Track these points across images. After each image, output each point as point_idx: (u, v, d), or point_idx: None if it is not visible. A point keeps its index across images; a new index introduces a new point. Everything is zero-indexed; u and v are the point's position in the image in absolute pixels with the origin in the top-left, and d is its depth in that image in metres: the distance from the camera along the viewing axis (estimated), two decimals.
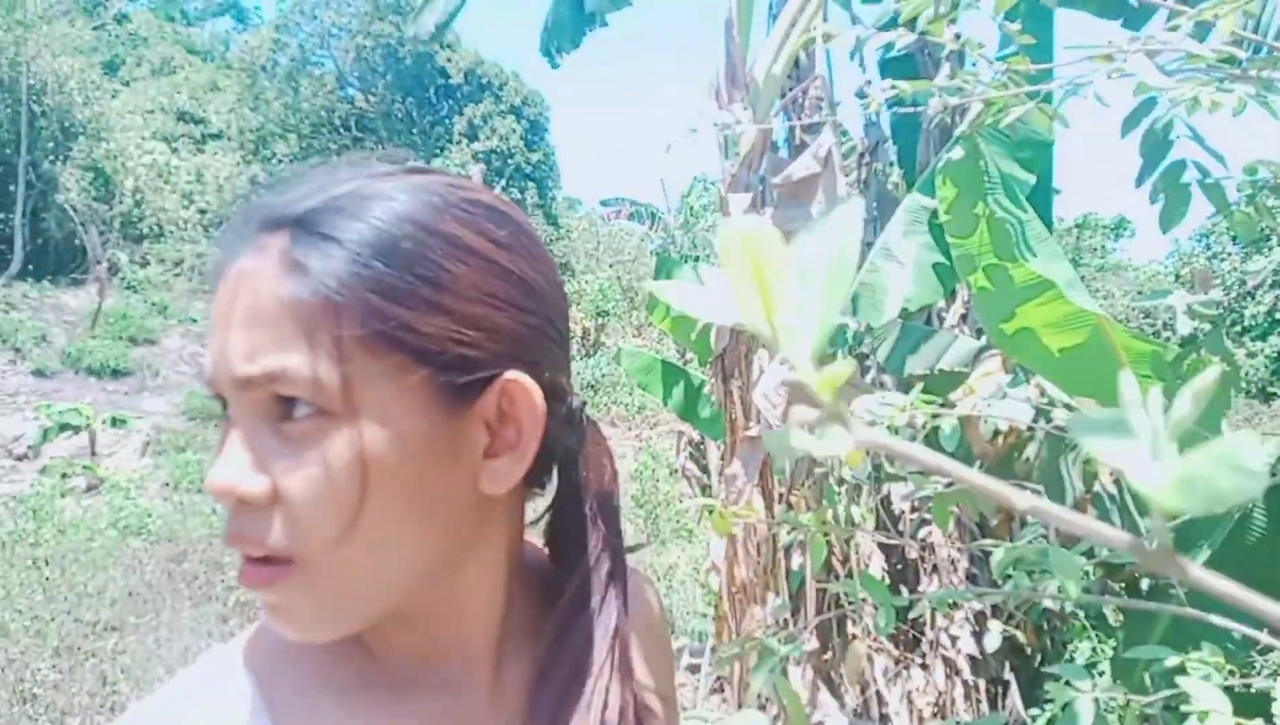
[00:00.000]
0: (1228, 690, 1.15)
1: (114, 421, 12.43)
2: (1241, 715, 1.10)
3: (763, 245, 0.26)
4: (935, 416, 1.90)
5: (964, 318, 3.49)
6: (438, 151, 25.48)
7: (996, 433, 2.30)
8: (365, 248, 0.52)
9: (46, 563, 7.11)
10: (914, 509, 2.81)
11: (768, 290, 0.26)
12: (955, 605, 2.36)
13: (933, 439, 1.89)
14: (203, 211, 23.76)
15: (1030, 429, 2.38)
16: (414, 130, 27.26)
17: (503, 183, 21.85)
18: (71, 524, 8.51)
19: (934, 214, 2.82)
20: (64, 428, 11.89)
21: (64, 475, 10.70)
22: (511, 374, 0.55)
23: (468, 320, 0.53)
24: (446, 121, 27.78)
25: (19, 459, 11.74)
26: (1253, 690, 1.34)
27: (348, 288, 0.51)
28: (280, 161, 25.10)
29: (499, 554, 0.61)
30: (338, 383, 0.50)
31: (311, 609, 0.52)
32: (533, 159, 28.59)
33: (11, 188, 21.24)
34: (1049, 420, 2.34)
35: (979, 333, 3.31)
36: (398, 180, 0.57)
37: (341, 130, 26.94)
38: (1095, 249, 24.62)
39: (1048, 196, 3.16)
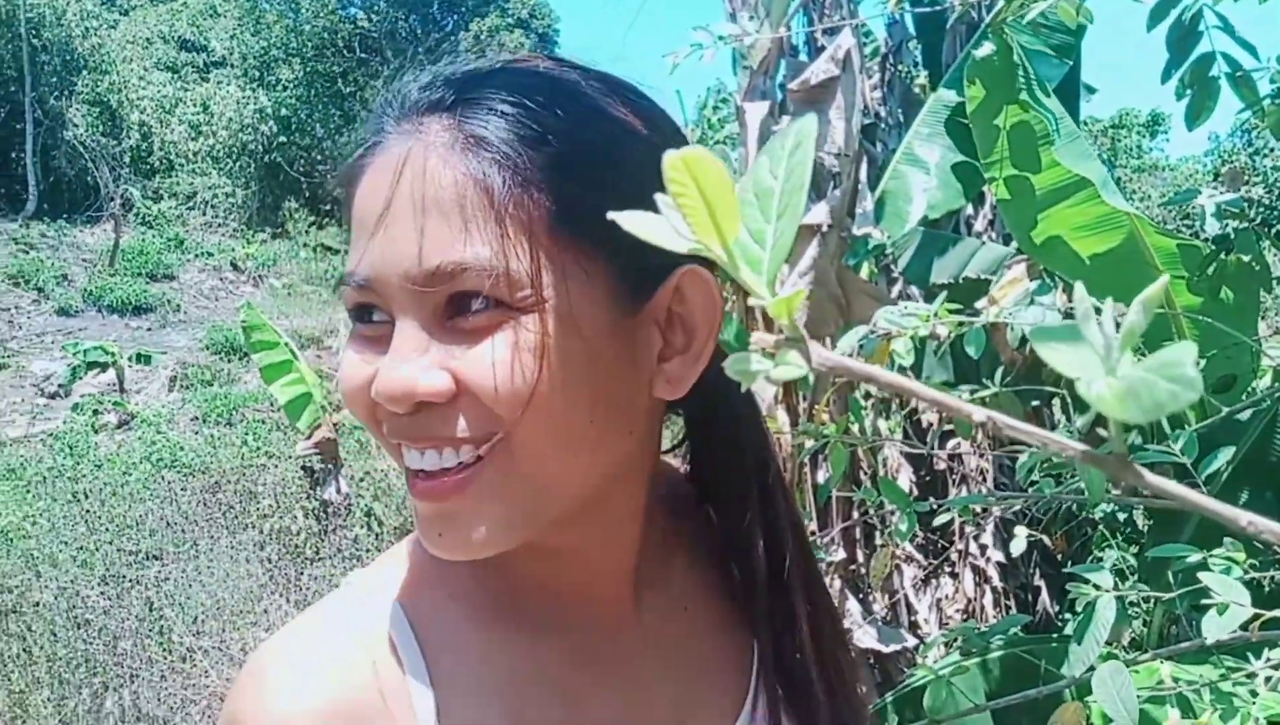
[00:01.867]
0: (1249, 585, 1.14)
1: (139, 357, 12.59)
2: (1261, 608, 1.09)
3: (706, 172, 0.26)
4: (960, 325, 1.86)
5: (991, 223, 3.41)
6: None
7: (1024, 341, 2.26)
8: (542, 122, 0.49)
9: (86, 496, 7.30)
10: (942, 420, 2.79)
11: (716, 216, 0.26)
12: (983, 512, 2.36)
13: (958, 348, 1.86)
14: (211, 145, 23.56)
15: None
16: (419, 48, 26.67)
17: None
18: (107, 459, 8.71)
19: (959, 114, 2.72)
20: (92, 365, 12.07)
21: (95, 412, 10.91)
22: (689, 265, 0.51)
23: (645, 204, 0.52)
24: (452, 38, 27.14)
25: (51, 397, 11.96)
26: (1270, 583, 1.33)
27: (533, 163, 0.48)
28: (285, 88, 24.70)
29: (644, 477, 0.60)
30: (527, 274, 0.47)
31: (494, 511, 0.50)
32: None
33: (19, 126, 21.10)
34: None
35: (1007, 239, 3.23)
36: (548, 62, 0.55)
37: (345, 52, 26.40)
38: (1131, 149, 23.87)
39: (1075, 93, 3.04)
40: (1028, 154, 2.19)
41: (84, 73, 21.94)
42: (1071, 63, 2.75)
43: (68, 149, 21.47)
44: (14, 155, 22.01)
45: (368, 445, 9.05)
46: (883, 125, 3.26)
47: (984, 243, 2.91)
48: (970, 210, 3.40)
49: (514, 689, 0.57)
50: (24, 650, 4.87)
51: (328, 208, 25.47)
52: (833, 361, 0.26)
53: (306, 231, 22.82)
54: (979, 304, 2.42)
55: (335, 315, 15.91)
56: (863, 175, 2.81)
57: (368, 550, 6.04)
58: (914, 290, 3.08)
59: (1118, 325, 0.23)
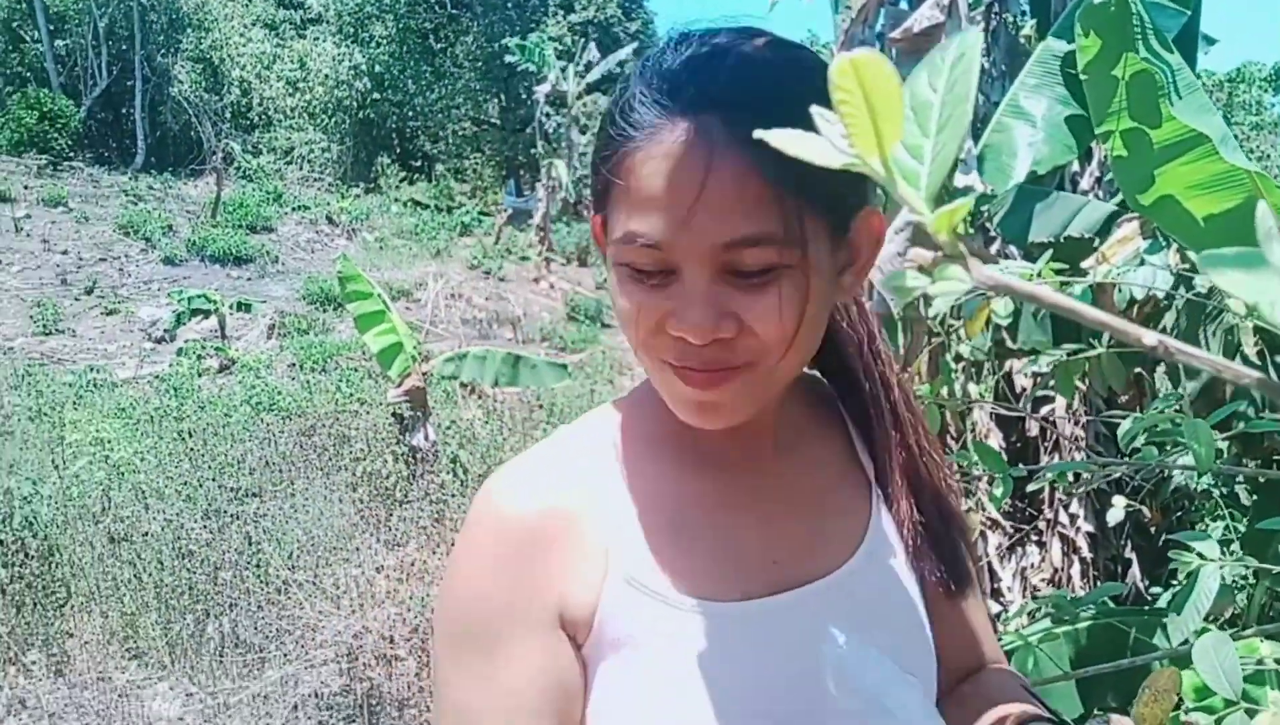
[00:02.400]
0: None
1: (240, 306, 13.11)
2: None
3: (876, 78, 0.25)
4: (1064, 285, 1.79)
5: (1099, 181, 3.25)
6: (534, 25, 24.97)
7: (1132, 302, 2.16)
8: (798, 113, 0.58)
9: (191, 435, 7.69)
10: (1035, 383, 2.70)
11: (879, 124, 0.26)
12: (1076, 478, 2.29)
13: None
14: (308, 101, 24.13)
15: (1169, 297, 2.22)
16: (509, 4, 26.71)
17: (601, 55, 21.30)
18: (209, 401, 9.14)
19: (1069, 64, 2.59)
20: (195, 312, 12.63)
21: (198, 356, 11.44)
22: (870, 207, 0.69)
23: (856, 176, 0.62)
24: None
25: (157, 342, 12.59)
26: None
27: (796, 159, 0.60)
28: (379, 45, 25.08)
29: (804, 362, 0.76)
30: (797, 242, 0.62)
31: (743, 402, 0.68)
32: (631, 28, 27.73)
33: (129, 83, 21.98)
34: (1190, 288, 2.18)
35: (1113, 196, 3.08)
36: (794, 52, 0.67)
37: (437, 8, 26.62)
38: (1249, 104, 22.36)
39: (1193, 43, 2.86)
40: (1148, 107, 2.07)
41: (188, 30, 22.66)
42: (1190, 12, 2.58)
43: (173, 105, 22.31)
44: (124, 110, 22.95)
45: (454, 395, 9.27)
46: (986, 76, 3.13)
47: (1090, 200, 2.78)
48: (1076, 166, 3.25)
49: (677, 509, 0.74)
50: (135, 576, 5.20)
51: (418, 164, 25.92)
52: (996, 279, 0.26)
53: (397, 187, 23.29)
54: (1086, 263, 2.32)
55: (425, 269, 16.26)
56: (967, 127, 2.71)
57: (453, 495, 6.20)
58: (1012, 249, 2.97)
59: None
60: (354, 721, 4.19)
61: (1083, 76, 2.23)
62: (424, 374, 6.50)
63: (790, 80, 0.63)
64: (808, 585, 0.74)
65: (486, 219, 21.49)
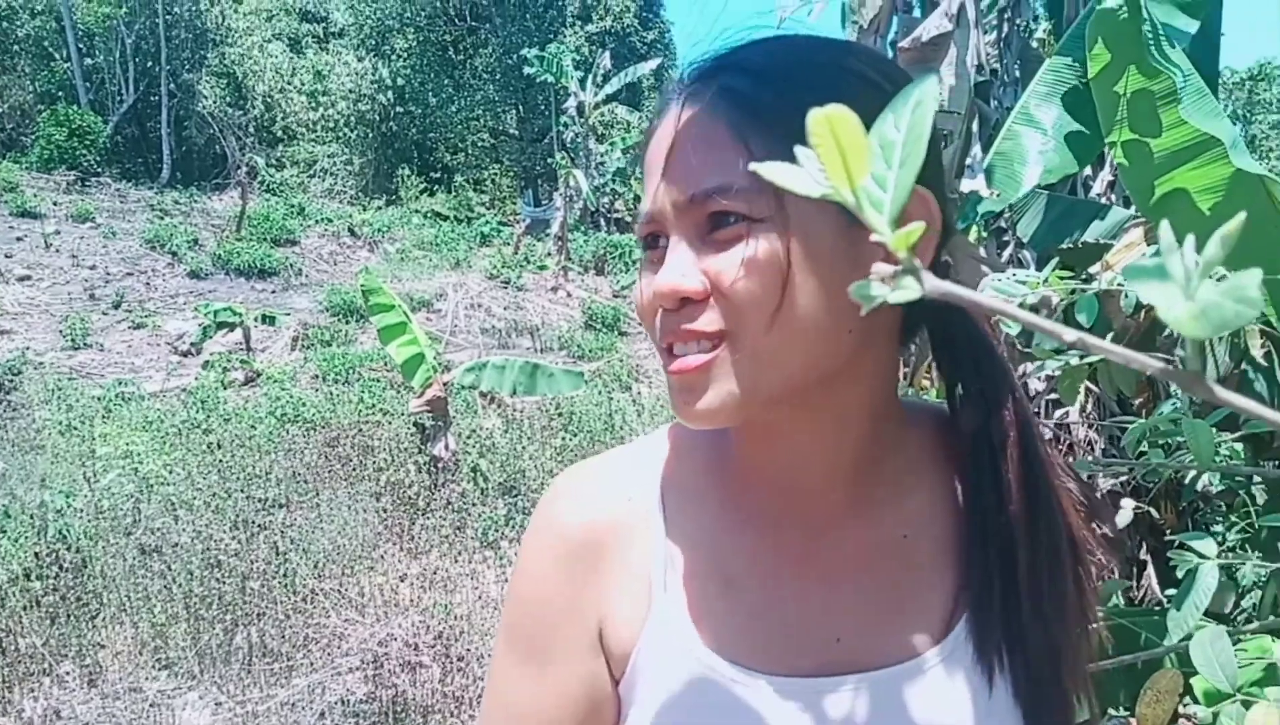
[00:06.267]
0: None
1: (265, 318, 13.27)
2: None
3: (843, 127, 0.30)
4: (1071, 292, 1.82)
5: (1111, 186, 3.25)
6: (552, 36, 25.12)
7: (1139, 307, 2.18)
8: (785, 75, 0.61)
9: (219, 447, 7.80)
10: (1050, 389, 2.72)
11: (849, 165, 0.31)
12: (1088, 480, 2.29)
13: (1070, 316, 1.81)
14: (330, 115, 24.37)
15: None
16: (527, 16, 26.89)
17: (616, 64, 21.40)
18: (235, 413, 9.26)
19: (1079, 73, 2.61)
20: (221, 325, 12.80)
21: (224, 369, 11.59)
22: (921, 188, 0.60)
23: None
24: (559, 4, 27.25)
25: (184, 355, 12.77)
26: None
27: (773, 106, 0.60)
28: (400, 58, 25.34)
29: (867, 388, 0.67)
30: (771, 190, 0.56)
31: (730, 384, 0.61)
32: (648, 37, 27.84)
33: (154, 99, 22.32)
34: None
35: (1127, 201, 3.09)
36: (794, 35, 0.66)
37: (457, 20, 26.86)
38: (1270, 103, 22.07)
39: (1214, 45, 2.85)
40: (1149, 119, 2.10)
41: (212, 47, 22.98)
42: (1201, 20, 2.58)
43: (198, 120, 22.64)
44: (150, 126, 23.29)
45: (474, 404, 9.35)
46: (999, 82, 3.15)
47: (1109, 206, 2.79)
48: (1089, 171, 3.25)
49: (725, 554, 0.69)
50: (165, 587, 5.28)
51: (438, 176, 26.13)
52: (944, 288, 0.29)
53: (418, 198, 23.50)
54: (1093, 269, 2.33)
55: (445, 279, 16.39)
56: (976, 134, 2.73)
57: (474, 503, 6.27)
58: (1025, 255, 2.98)
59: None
60: None
61: (1093, 84, 2.25)
62: (445, 384, 6.57)
63: (789, 50, 0.64)
64: (871, 672, 0.65)
65: (505, 229, 21.63)
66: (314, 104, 24.45)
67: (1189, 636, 1.15)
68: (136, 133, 23.62)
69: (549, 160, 23.45)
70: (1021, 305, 1.73)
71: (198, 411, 9.35)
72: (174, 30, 22.00)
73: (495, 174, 27.28)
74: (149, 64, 22.23)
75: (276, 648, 4.74)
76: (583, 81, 20.89)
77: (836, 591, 0.67)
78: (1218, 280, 0.26)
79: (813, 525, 0.68)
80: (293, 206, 20.04)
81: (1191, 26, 2.60)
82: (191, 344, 12.91)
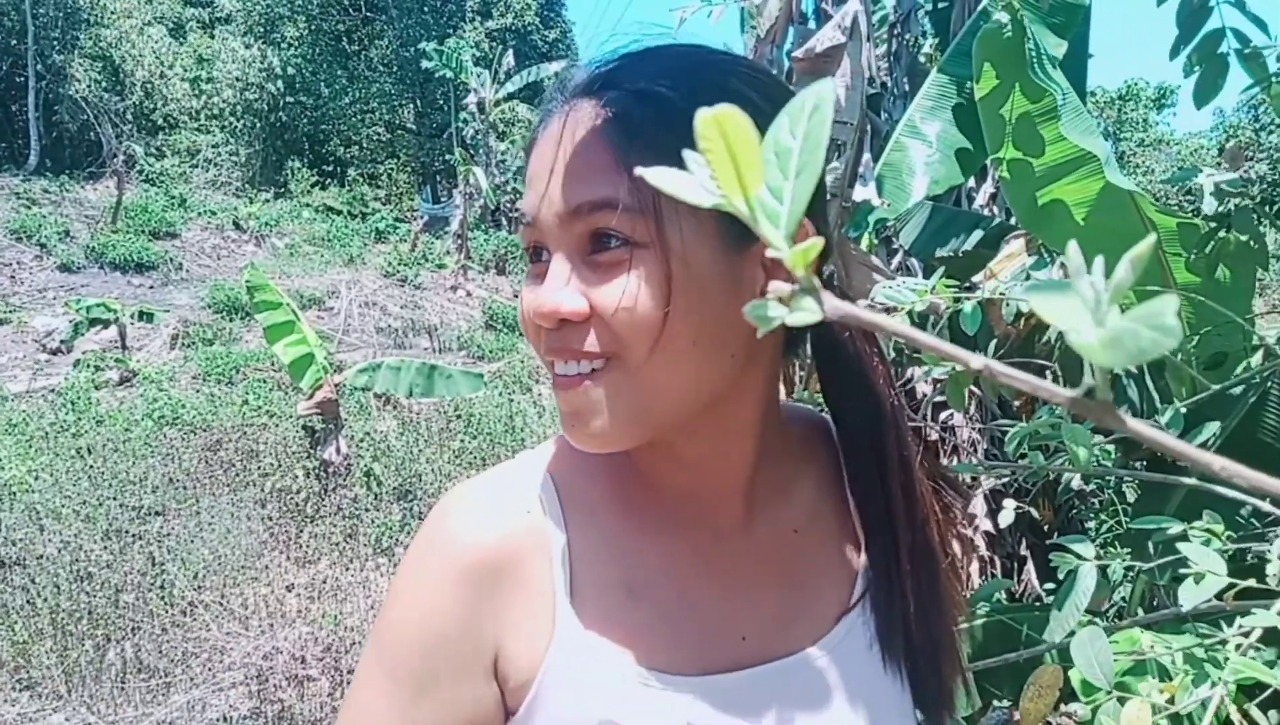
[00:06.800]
0: (1230, 558, 1.17)
1: (141, 315, 12.60)
2: (1237, 578, 1.12)
3: (735, 130, 0.28)
4: (957, 300, 1.87)
5: (994, 197, 3.40)
6: (450, 31, 24.69)
7: (1019, 315, 2.27)
8: (661, 93, 0.61)
9: (90, 452, 7.35)
10: (934, 391, 2.81)
11: (741, 172, 0.28)
12: (973, 482, 2.38)
13: (955, 323, 1.87)
14: (215, 103, 23.33)
15: None
16: (425, 9, 26.36)
17: (517, 62, 21.19)
18: (109, 415, 8.75)
19: (962, 88, 2.71)
20: (94, 322, 12.08)
21: (97, 368, 10.94)
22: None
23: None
24: None
25: (53, 353, 11.99)
26: (1250, 557, 1.36)
27: (656, 129, 0.60)
28: (290, 46, 24.45)
29: (752, 403, 0.69)
30: (650, 214, 0.58)
31: (616, 409, 0.62)
32: (549, 36, 27.69)
33: (20, 80, 20.92)
34: None
35: (1009, 213, 3.23)
36: (683, 47, 0.66)
37: (351, 10, 26.10)
38: (1137, 122, 23.60)
39: (1082, 65, 3.02)
40: (1031, 138, 2.19)
41: (85, 26, 21.69)
42: (1068, 41, 2.72)
43: (70, 104, 21.31)
44: (15, 108, 21.84)
45: (368, 407, 9.09)
46: (889, 95, 3.24)
47: (989, 218, 2.91)
48: (973, 183, 3.39)
49: (630, 561, 0.69)
50: (28, 602, 4.94)
51: (330, 169, 25.33)
52: (844, 310, 0.28)
53: (309, 192, 22.72)
54: (976, 278, 2.43)
55: (338, 276, 15.90)
56: (867, 144, 2.81)
57: (366, 509, 6.09)
58: (913, 263, 3.08)
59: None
60: None
61: (980, 104, 2.34)
62: (336, 385, 6.36)
63: (675, 67, 0.63)
64: (772, 663, 0.68)
65: (402, 225, 21.14)
66: (198, 91, 23.34)
67: (1071, 633, 1.19)
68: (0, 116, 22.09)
69: (448, 157, 23.03)
70: (910, 313, 1.78)
71: (67, 413, 8.80)
72: (41, 7, 20.65)
73: (392, 169, 26.62)
74: (12, 42, 20.82)
75: (153, 663, 4.50)
76: (483, 78, 20.63)
77: (738, 591, 0.70)
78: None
79: (711, 529, 0.71)
80: (173, 198, 19.07)
81: (1060, 49, 2.73)
82: (61, 341, 12.13)
